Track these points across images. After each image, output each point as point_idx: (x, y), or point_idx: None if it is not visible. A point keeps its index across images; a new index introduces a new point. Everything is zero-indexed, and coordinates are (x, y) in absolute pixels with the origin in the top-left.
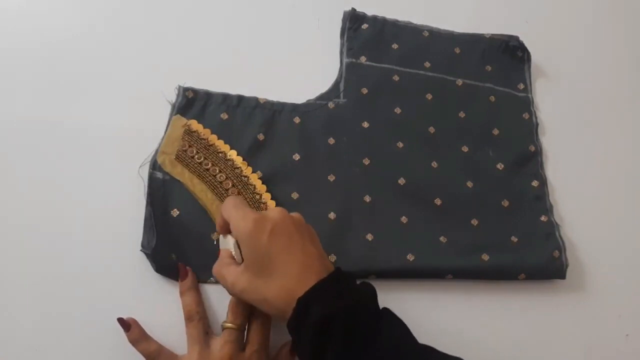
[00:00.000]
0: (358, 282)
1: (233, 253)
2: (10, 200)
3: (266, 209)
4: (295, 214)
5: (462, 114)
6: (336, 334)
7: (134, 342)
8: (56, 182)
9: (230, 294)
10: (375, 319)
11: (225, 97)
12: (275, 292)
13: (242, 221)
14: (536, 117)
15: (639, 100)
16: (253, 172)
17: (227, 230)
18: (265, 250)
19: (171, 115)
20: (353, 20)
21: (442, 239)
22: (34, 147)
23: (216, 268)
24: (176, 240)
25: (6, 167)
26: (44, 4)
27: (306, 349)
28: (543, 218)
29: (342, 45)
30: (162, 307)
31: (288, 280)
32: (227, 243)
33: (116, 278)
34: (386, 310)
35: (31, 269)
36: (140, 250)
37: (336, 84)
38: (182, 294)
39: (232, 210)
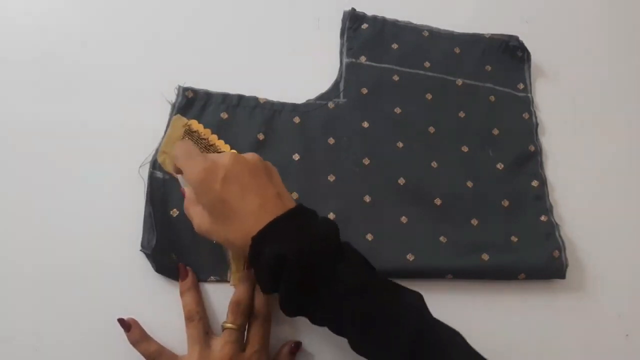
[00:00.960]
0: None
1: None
2: (10, 200)
3: None
4: (249, 154)
5: (462, 114)
6: (288, 274)
7: (134, 342)
8: (56, 181)
9: (197, 232)
10: (332, 257)
11: (225, 97)
12: (235, 234)
13: (193, 170)
14: (536, 117)
15: (638, 98)
16: None
17: (181, 171)
18: (220, 197)
19: (171, 115)
20: (353, 20)
21: (442, 238)
22: (34, 146)
23: (185, 205)
24: (176, 240)
25: (6, 167)
26: (44, 3)
27: (264, 285)
28: (543, 218)
29: (342, 45)
30: (162, 307)
31: (245, 221)
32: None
33: (116, 278)
34: (346, 246)
35: (31, 269)
36: (140, 250)
37: (336, 83)
38: (182, 294)
39: (183, 159)
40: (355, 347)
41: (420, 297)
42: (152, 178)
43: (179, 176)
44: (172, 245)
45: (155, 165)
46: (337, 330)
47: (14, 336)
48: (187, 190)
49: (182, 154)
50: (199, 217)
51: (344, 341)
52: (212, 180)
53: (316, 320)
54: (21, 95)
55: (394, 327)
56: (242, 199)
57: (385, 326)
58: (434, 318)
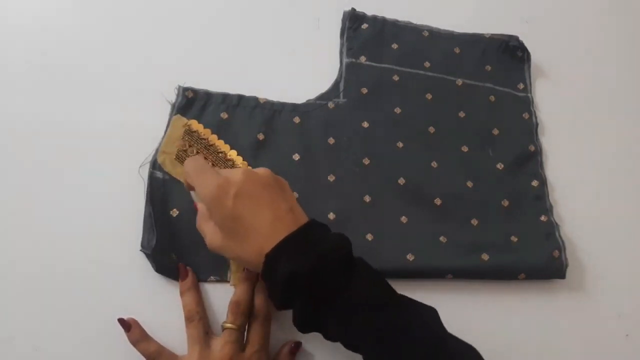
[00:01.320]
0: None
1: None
2: (9, 200)
3: None
4: (261, 170)
5: (462, 114)
6: (302, 290)
7: (134, 342)
8: (56, 181)
9: (209, 249)
10: (343, 272)
11: (225, 97)
12: (248, 251)
13: (206, 187)
14: (536, 117)
15: (638, 98)
16: None
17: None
18: (232, 214)
19: (171, 115)
20: (353, 20)
21: (442, 238)
22: (34, 147)
23: (198, 222)
24: (176, 240)
25: (5, 167)
26: (43, 3)
27: (277, 302)
28: (543, 218)
29: (341, 45)
30: (162, 307)
31: (258, 238)
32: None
33: (116, 278)
34: (359, 261)
35: (31, 269)
36: (140, 250)
37: (336, 83)
38: (182, 294)
39: (194, 175)
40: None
41: (434, 312)
42: (152, 178)
43: (191, 192)
44: (172, 246)
45: (155, 165)
46: (351, 346)
47: (14, 336)
48: (200, 206)
49: (194, 169)
50: (211, 233)
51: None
52: (224, 197)
53: (330, 337)
54: (20, 96)
55: (408, 344)
56: (255, 216)
57: (399, 342)
58: (449, 333)
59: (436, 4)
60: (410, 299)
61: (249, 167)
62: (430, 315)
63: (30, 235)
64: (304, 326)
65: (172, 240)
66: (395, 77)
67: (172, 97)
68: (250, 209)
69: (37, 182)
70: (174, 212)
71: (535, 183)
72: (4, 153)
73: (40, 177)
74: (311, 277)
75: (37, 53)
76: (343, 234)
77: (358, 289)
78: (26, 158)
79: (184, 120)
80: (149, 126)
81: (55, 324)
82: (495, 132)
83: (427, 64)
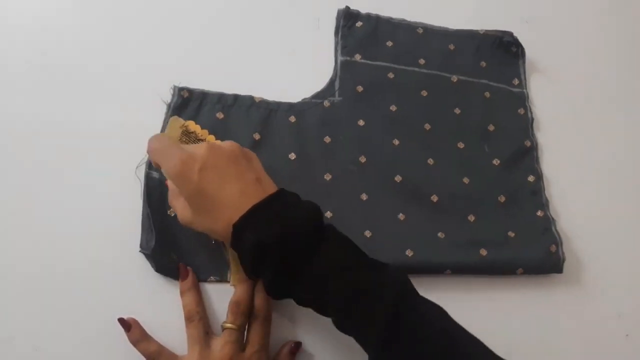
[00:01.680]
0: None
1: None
2: (7, 201)
3: None
4: (226, 143)
5: (457, 111)
6: (271, 258)
7: (134, 342)
8: (53, 182)
9: (181, 224)
10: (311, 239)
11: (221, 97)
12: (217, 224)
13: (170, 164)
14: (531, 112)
15: (634, 94)
16: None
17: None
18: (198, 189)
19: (167, 115)
20: (347, 18)
21: (440, 235)
22: (30, 148)
23: (169, 198)
24: (175, 240)
25: (5, 167)
26: (42, 4)
27: (248, 271)
28: (539, 213)
29: (336, 43)
30: (162, 307)
31: (226, 210)
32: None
33: (116, 278)
34: (329, 228)
35: (30, 270)
36: (140, 251)
37: (331, 82)
38: (182, 293)
39: (158, 153)
40: (339, 325)
41: (404, 273)
42: (148, 178)
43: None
44: (171, 246)
45: (151, 165)
46: (321, 310)
47: (14, 336)
48: (169, 183)
49: (157, 147)
50: (181, 208)
51: (344, 341)
52: (189, 172)
53: (301, 302)
54: (17, 98)
55: (372, 302)
56: (221, 188)
57: (364, 301)
58: (418, 294)
59: (436, 4)
60: (382, 263)
61: (216, 141)
62: (400, 275)
63: (29, 235)
64: (275, 294)
65: (172, 241)
66: (391, 75)
67: (168, 97)
68: (216, 182)
69: (33, 183)
70: (172, 212)
71: (531, 178)
72: (4, 153)
73: (36, 179)
74: (278, 244)
75: (37, 53)
76: (314, 203)
77: (327, 254)
78: (22, 159)
79: (181, 121)
80: (148, 126)
81: (55, 324)
82: (491, 128)
83: (421, 61)
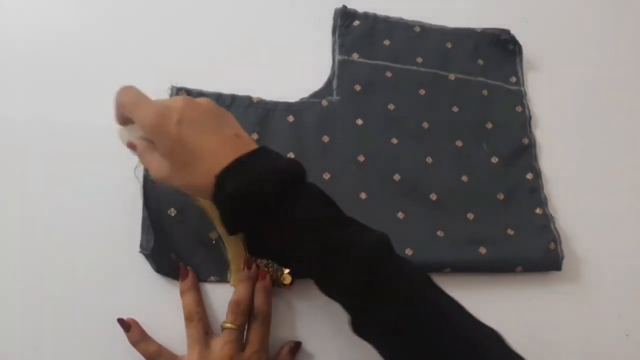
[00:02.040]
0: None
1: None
2: (7, 201)
3: None
4: (202, 99)
5: (455, 109)
6: (248, 209)
7: (134, 342)
8: (52, 183)
9: (156, 181)
10: (289, 192)
11: (219, 97)
12: (197, 177)
13: (146, 116)
14: (529, 110)
15: (631, 91)
16: None
17: (127, 121)
18: (177, 140)
19: None
20: (344, 18)
21: (439, 233)
22: (29, 148)
23: (141, 157)
24: (175, 240)
25: (2, 168)
26: (42, 3)
27: (228, 225)
28: (538, 210)
29: (334, 42)
30: (162, 307)
31: (206, 162)
32: (135, 131)
33: (116, 278)
34: (311, 185)
35: (30, 270)
36: (139, 251)
37: (329, 81)
38: (182, 293)
39: (130, 106)
40: (319, 285)
41: (384, 235)
42: (147, 179)
43: (120, 128)
44: (171, 246)
45: None
46: (299, 267)
47: (14, 336)
48: (137, 141)
49: (129, 100)
50: (156, 164)
51: (344, 341)
52: (167, 124)
53: (278, 260)
54: (16, 97)
55: (346, 262)
56: (201, 141)
57: (341, 258)
58: (396, 254)
59: (436, 4)
60: (361, 224)
61: (189, 96)
62: (377, 235)
63: (29, 235)
64: (257, 253)
65: (171, 241)
66: (388, 74)
67: (165, 97)
68: (195, 134)
69: (32, 184)
70: (171, 212)
71: (529, 176)
72: (3, 153)
73: (35, 179)
74: (258, 194)
75: (37, 53)
76: (297, 161)
77: (303, 208)
78: (21, 160)
79: None
80: None
81: (56, 324)
82: (489, 126)
83: (419, 60)
